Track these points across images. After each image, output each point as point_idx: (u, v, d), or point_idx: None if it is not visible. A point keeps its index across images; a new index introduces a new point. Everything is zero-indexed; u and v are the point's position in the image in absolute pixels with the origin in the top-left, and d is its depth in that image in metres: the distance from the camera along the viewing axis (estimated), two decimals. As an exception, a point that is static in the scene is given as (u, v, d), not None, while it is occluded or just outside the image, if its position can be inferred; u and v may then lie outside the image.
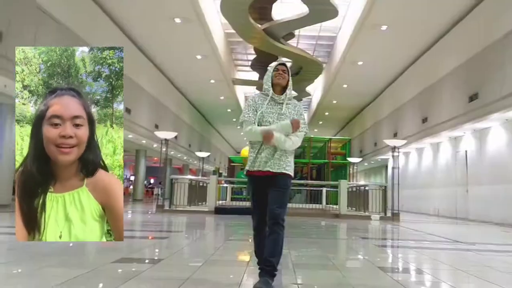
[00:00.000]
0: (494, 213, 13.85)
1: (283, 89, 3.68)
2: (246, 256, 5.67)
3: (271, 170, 3.53)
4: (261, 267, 3.44)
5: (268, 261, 3.38)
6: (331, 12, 14.94)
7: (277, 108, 3.63)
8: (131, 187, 31.84)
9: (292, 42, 19.62)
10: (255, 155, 3.59)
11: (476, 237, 9.66)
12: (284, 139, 3.53)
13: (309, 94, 27.54)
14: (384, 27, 15.01)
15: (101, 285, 3.53)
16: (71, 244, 6.19)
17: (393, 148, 15.76)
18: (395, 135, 21.69)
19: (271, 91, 3.65)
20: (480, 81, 13.64)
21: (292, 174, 3.64)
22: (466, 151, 16.13)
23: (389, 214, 14.80)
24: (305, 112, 34.88)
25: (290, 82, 3.71)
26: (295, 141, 3.59)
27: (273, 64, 3.75)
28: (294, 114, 3.64)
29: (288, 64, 22.07)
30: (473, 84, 14.10)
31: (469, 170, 15.80)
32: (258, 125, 3.57)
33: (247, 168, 3.66)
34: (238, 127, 3.78)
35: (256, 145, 3.61)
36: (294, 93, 3.84)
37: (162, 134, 15.79)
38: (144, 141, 22.79)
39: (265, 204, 3.55)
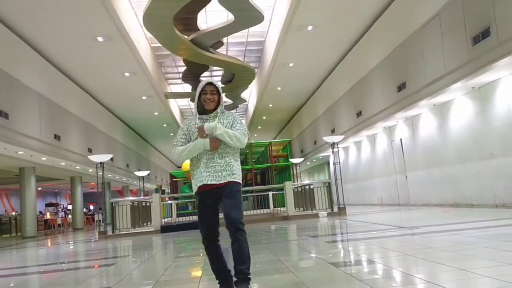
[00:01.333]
0: (433, 195, 14.43)
1: (215, 107, 3.65)
2: (198, 271, 5.49)
3: (216, 183, 3.49)
4: (235, 276, 3.38)
5: (240, 271, 3.35)
6: (257, 17, 15.01)
7: (205, 122, 3.61)
8: (70, 216, 30.45)
9: (222, 50, 19.55)
10: (198, 171, 3.55)
11: (419, 221, 9.97)
12: (219, 127, 3.51)
13: (244, 100, 27.59)
14: (310, 27, 15.28)
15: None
16: (12, 284, 5.75)
17: (332, 144, 16.06)
18: (332, 132, 22.15)
19: (197, 118, 3.63)
20: (406, 70, 14.19)
21: (239, 180, 3.59)
22: (401, 139, 16.72)
23: (335, 209, 15.03)
24: (242, 118, 35.00)
25: (222, 99, 3.69)
26: (234, 134, 3.54)
27: (201, 84, 3.67)
28: (230, 123, 3.61)
29: (220, 76, 21.93)
30: (400, 74, 14.66)
31: (406, 157, 16.39)
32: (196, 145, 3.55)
33: (194, 187, 3.59)
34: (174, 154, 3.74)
35: (196, 162, 3.58)
36: (227, 105, 3.93)
37: (96, 158, 15.18)
38: (78, 167, 21.86)
39: (213, 216, 3.54)
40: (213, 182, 3.48)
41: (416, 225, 8.62)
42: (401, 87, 14.53)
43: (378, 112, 16.63)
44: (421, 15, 12.90)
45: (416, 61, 13.46)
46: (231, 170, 3.54)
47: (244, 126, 3.69)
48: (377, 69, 16.65)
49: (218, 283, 3.51)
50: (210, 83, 3.67)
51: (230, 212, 3.41)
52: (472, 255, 4.62)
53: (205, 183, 3.49)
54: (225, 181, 3.50)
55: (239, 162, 3.70)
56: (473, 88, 11.82)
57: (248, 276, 3.38)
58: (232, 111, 3.87)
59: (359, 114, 18.83)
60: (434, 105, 13.79)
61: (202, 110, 3.65)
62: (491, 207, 11.18)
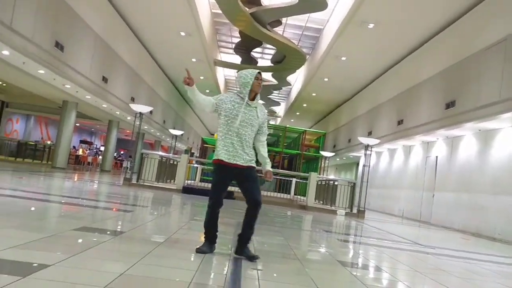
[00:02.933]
0: (456, 219, 14.18)
1: (254, 95, 4.21)
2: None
3: (240, 164, 4.07)
4: (240, 237, 4.14)
5: (247, 234, 4.14)
6: (321, 4, 14.86)
7: (250, 111, 4.14)
8: (100, 157, 31.35)
9: (278, 29, 19.49)
10: (227, 144, 4.10)
11: (436, 241, 9.87)
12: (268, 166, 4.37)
13: (289, 84, 27.50)
14: (371, 25, 15.04)
15: (58, 251, 3.43)
16: (33, 208, 6.06)
17: (366, 146, 15.91)
18: (369, 134, 21.92)
19: (247, 98, 4.14)
20: (458, 89, 13.84)
21: (254, 164, 4.19)
22: (436, 157, 16.42)
23: (355, 210, 14.99)
24: (283, 101, 34.95)
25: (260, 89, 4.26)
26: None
27: (252, 71, 4.20)
28: (261, 118, 4.22)
29: (271, 55, 21.82)
30: (451, 92, 14.31)
31: (438, 176, 16.10)
32: (235, 123, 4.08)
33: (217, 157, 4.11)
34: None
35: (228, 133, 4.10)
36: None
37: (137, 108, 15.52)
38: (118, 113, 22.41)
39: (226, 189, 4.21)
40: (238, 163, 4.06)
41: (432, 245, 8.55)
42: (449, 105, 14.20)
43: (420, 125, 16.33)
44: (487, 37, 12.50)
45: (470, 82, 13.11)
46: (253, 157, 4.17)
47: (266, 131, 4.39)
48: (429, 82, 16.29)
49: (205, 238, 4.20)
50: (260, 72, 4.25)
51: (255, 195, 4.10)
52: (481, 287, 4.59)
53: (232, 162, 4.05)
54: (248, 165, 4.10)
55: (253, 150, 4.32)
56: (523, 122, 11.47)
57: (250, 239, 4.19)
58: (263, 106, 4.38)
59: (400, 122, 18.53)
60: (479, 130, 13.45)
61: (249, 94, 4.18)
62: (512, 245, 10.94)
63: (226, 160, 4.05)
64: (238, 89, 4.22)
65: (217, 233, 4.23)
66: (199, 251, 4.08)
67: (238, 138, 4.07)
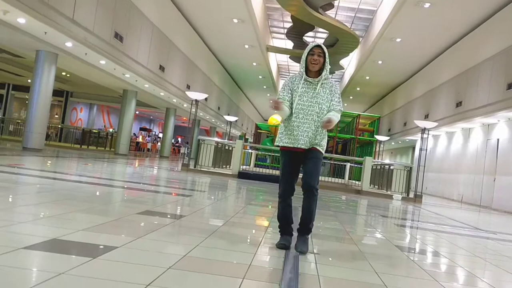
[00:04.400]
0: (520, 204, 13.62)
1: (318, 72, 3.80)
2: (265, 221, 5.77)
3: (304, 147, 3.75)
4: (300, 226, 3.82)
5: (305, 223, 3.80)
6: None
7: (312, 88, 3.79)
8: (159, 144, 32.35)
9: (331, 12, 19.21)
10: (291, 128, 3.78)
11: (498, 227, 9.56)
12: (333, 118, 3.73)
13: (342, 68, 27.10)
14: (427, 5, 14.53)
15: (124, 234, 3.67)
16: (98, 193, 6.43)
17: (423, 130, 15.49)
18: (426, 117, 21.28)
19: (305, 75, 3.79)
20: (522, 69, 13.19)
21: (323, 150, 3.84)
22: (498, 139, 15.76)
23: (411, 195, 14.72)
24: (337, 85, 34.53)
25: (327, 63, 3.79)
26: (336, 118, 3.77)
27: (309, 46, 3.82)
28: (328, 94, 3.80)
29: (324, 39, 21.61)
30: (514, 72, 13.65)
31: (499, 159, 15.48)
32: (293, 104, 3.76)
33: (279, 143, 3.85)
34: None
35: (292, 122, 3.77)
36: (329, 76, 4.09)
37: (193, 95, 15.89)
38: (175, 100, 23.01)
39: (294, 176, 3.86)
40: (302, 147, 3.75)
41: (494, 230, 8.31)
42: (511, 85, 13.56)
43: (480, 106, 15.70)
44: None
45: (537, 61, 12.44)
46: (319, 139, 3.79)
47: (341, 102, 3.89)
48: (490, 62, 15.58)
49: (280, 232, 3.89)
50: (319, 46, 3.81)
51: (310, 178, 3.76)
52: (544, 273, 4.46)
53: (296, 146, 3.76)
54: (311, 147, 3.77)
55: (325, 132, 3.90)
56: None
57: (310, 228, 3.84)
58: (334, 81, 3.97)
59: (458, 104, 17.88)
60: (545, 111, 12.78)
61: (307, 71, 3.82)
62: None
63: (289, 145, 3.78)
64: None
65: (292, 225, 3.88)
66: (279, 246, 3.76)
67: (302, 118, 3.74)
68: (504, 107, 13.88)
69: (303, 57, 3.80)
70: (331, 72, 26.29)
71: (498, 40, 14.82)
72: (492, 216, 12.49)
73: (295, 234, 3.88)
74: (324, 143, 3.86)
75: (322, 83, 3.80)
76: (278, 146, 3.89)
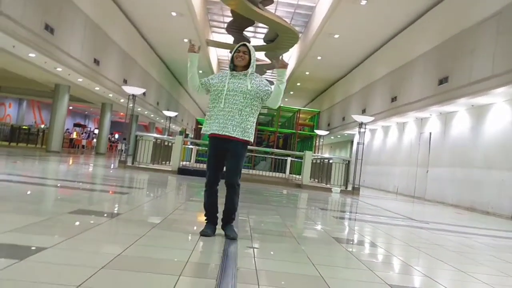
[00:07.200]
0: (450, 194, 14.33)
1: (246, 67, 4.08)
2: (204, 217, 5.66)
3: (228, 135, 3.92)
4: (224, 217, 4.10)
5: (228, 214, 4.09)
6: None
7: (238, 79, 4.03)
8: (95, 140, 31.28)
9: (270, 8, 19.30)
10: (215, 115, 3.98)
11: (430, 217, 9.99)
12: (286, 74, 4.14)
13: (282, 63, 27.32)
14: (364, 2, 14.92)
15: (55, 234, 3.45)
16: (29, 192, 6.06)
17: (360, 124, 15.94)
18: (363, 112, 21.93)
19: (229, 71, 4.09)
20: (451, 65, 13.84)
21: (250, 139, 4.01)
22: (430, 133, 16.50)
23: (350, 188, 15.11)
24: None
25: (253, 60, 4.08)
26: (282, 91, 4.08)
27: (238, 45, 4.15)
28: (256, 85, 4.03)
29: (264, 34, 21.64)
30: (444, 68, 14.31)
31: (431, 152, 16.21)
32: (223, 93, 3.99)
33: (206, 129, 4.03)
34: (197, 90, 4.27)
35: (217, 102, 3.99)
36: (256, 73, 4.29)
37: (130, 90, 15.44)
38: (110, 95, 22.28)
39: (219, 165, 4.08)
40: (226, 134, 3.91)
41: (426, 220, 8.66)
42: (442, 81, 14.22)
43: (414, 101, 16.37)
44: (479, 12, 12.46)
45: (463, 58, 13.10)
46: (245, 128, 3.95)
47: (268, 85, 4.12)
48: (422, 58, 16.27)
49: (206, 220, 4.12)
50: (244, 44, 4.12)
51: (231, 175, 4.01)
52: (475, 260, 4.67)
53: (218, 132, 3.93)
54: (237, 137, 3.93)
55: (254, 120, 4.09)
56: (516, 97, 11.51)
57: (233, 218, 4.11)
58: (262, 76, 4.15)
59: (394, 99, 18.55)
60: (472, 105, 13.50)
61: (233, 67, 4.11)
62: (506, 218, 11.09)
63: (217, 132, 3.93)
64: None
65: (217, 214, 4.12)
66: (202, 233, 3.97)
67: (228, 107, 3.93)
68: (436, 101, 14.54)
69: (232, 54, 4.10)
70: (273, 67, 26.44)
71: (431, 37, 15.48)
72: (425, 207, 13.06)
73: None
74: (251, 131, 4.00)
75: (249, 77, 4.05)
76: (206, 133, 4.05)
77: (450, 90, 13.62)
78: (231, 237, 3.93)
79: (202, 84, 4.15)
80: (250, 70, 4.05)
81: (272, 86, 4.01)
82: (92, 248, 3.16)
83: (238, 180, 4.03)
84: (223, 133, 3.91)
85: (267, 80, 4.40)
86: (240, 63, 4.06)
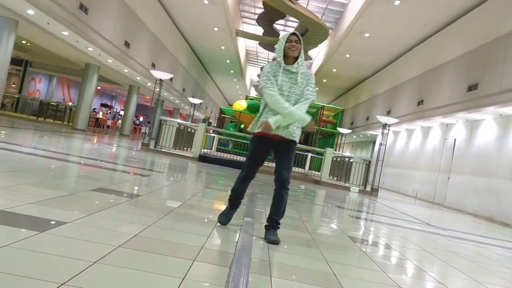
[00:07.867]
0: (470, 203, 14.13)
1: (295, 58, 3.82)
2: (222, 205, 5.72)
3: (280, 135, 3.78)
4: (267, 224, 3.88)
5: (274, 220, 3.87)
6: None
7: (290, 77, 3.80)
8: (120, 121, 31.71)
9: (303, 2, 19.21)
10: (266, 119, 3.75)
11: (448, 223, 9.89)
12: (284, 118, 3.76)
13: (310, 58, 27.22)
14: (397, 2, 14.73)
15: (75, 210, 3.55)
16: (52, 167, 6.22)
17: (384, 125, 15.80)
18: (388, 113, 21.71)
19: (283, 63, 3.79)
20: (482, 72, 13.59)
21: (297, 140, 3.88)
22: (455, 139, 16.26)
23: (368, 188, 15.02)
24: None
25: (302, 52, 3.85)
26: (300, 114, 3.78)
27: (286, 35, 3.87)
28: (305, 84, 3.82)
29: (294, 28, 21.60)
30: (474, 75, 14.06)
31: (454, 158, 15.98)
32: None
33: (254, 129, 3.86)
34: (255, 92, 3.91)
35: (269, 111, 3.78)
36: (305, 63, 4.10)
37: (158, 74, 15.59)
38: (138, 78, 22.54)
39: (262, 162, 3.96)
40: (280, 134, 3.77)
41: (443, 227, 8.58)
42: (472, 88, 13.98)
43: (440, 106, 16.13)
44: (513, 21, 12.18)
45: (495, 66, 12.85)
46: (293, 128, 3.81)
47: (314, 94, 3.89)
48: (452, 63, 16.00)
49: (229, 205, 4.04)
50: (295, 34, 3.86)
51: (284, 172, 3.82)
52: (490, 270, 4.63)
53: (275, 133, 3.75)
54: (288, 137, 3.80)
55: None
56: (547, 109, 11.25)
57: (279, 226, 3.91)
58: (312, 74, 3.98)
59: (420, 103, 18.31)
60: (500, 114, 13.25)
61: (285, 59, 3.83)
62: (525, 232, 10.91)
63: (259, 131, 3.81)
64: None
65: (241, 201, 4.07)
66: (219, 219, 3.97)
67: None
68: (463, 108, 14.31)
69: (281, 45, 3.81)
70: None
71: (463, 43, 15.21)
72: (444, 213, 12.91)
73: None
74: (298, 132, 3.89)
75: (301, 74, 3.81)
76: (253, 132, 3.90)
77: (479, 98, 13.38)
78: (272, 240, 3.72)
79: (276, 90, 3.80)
80: (299, 60, 3.82)
81: (312, 97, 3.85)
82: (110, 226, 3.22)
83: (290, 178, 3.87)
84: (279, 133, 3.78)
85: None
86: (294, 53, 3.78)
